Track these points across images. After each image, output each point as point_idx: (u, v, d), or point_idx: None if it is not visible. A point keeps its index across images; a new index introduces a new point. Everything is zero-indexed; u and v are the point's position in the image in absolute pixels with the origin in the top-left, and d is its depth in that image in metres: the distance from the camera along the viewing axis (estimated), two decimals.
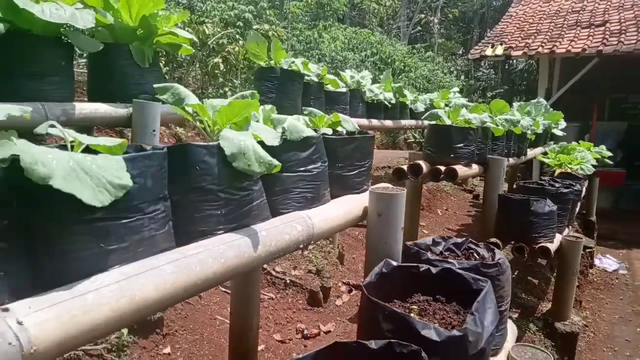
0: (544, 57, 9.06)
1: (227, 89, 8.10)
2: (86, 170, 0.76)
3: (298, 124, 1.35)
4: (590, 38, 8.65)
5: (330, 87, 3.82)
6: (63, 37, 1.95)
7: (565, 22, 9.99)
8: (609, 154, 6.33)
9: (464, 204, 7.23)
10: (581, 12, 10.41)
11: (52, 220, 0.78)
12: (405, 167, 2.71)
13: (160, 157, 0.97)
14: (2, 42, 1.71)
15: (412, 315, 1.11)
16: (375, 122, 4.51)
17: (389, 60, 13.19)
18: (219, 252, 1.03)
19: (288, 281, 3.06)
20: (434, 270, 1.37)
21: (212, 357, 2.31)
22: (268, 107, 1.40)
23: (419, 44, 19.51)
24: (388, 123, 4.77)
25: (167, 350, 2.21)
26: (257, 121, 1.34)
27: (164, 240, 0.98)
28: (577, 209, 4.75)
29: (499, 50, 8.98)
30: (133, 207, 0.88)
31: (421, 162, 2.72)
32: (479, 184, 8.32)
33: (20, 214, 0.75)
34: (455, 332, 1.06)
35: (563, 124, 6.33)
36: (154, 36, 2.26)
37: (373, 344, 1.05)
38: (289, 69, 3.23)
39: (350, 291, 3.34)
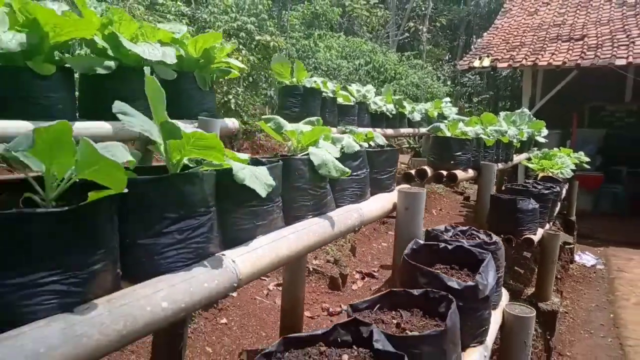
0: (527, 68, 9.72)
1: (230, 97, 8.59)
2: (256, 175, 1.27)
3: (351, 142, 1.87)
4: (570, 52, 9.34)
5: (341, 101, 4.34)
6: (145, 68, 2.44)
7: (547, 36, 10.68)
8: (587, 159, 6.97)
9: (455, 205, 7.81)
10: (562, 25, 11.13)
11: (234, 205, 1.28)
12: (413, 172, 3.24)
13: (280, 166, 1.47)
14: (112, 75, 2.19)
15: (439, 273, 1.63)
16: (378, 130, 5.03)
17: (382, 69, 13.76)
18: (314, 228, 1.54)
19: (311, 269, 3.56)
20: (449, 247, 1.89)
21: (258, 327, 2.80)
22: (328, 127, 1.92)
23: (407, 50, 20.19)
24: (389, 131, 5.30)
25: (224, 320, 2.69)
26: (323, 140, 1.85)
27: (281, 220, 1.49)
28: (558, 209, 5.32)
29: (486, 62, 9.62)
30: (269, 198, 1.39)
31: (426, 168, 3.26)
32: (468, 187, 8.92)
33: (218, 200, 1.25)
34: (470, 283, 1.59)
35: (545, 131, 6.93)
36: (212, 64, 2.76)
37: (415, 292, 1.57)
38: (311, 86, 3.74)
39: (363, 278, 3.85)
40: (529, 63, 9.20)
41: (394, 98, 5.48)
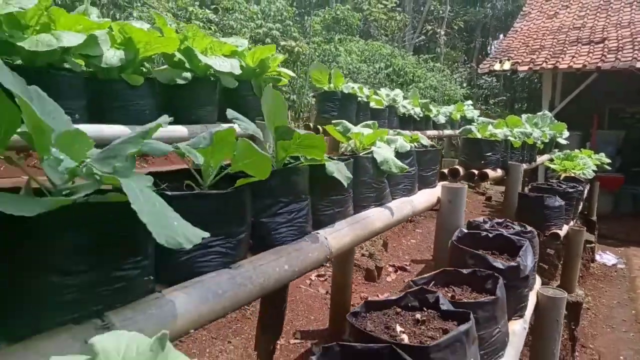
0: (547, 71, 9.86)
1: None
2: (339, 169, 1.54)
3: (404, 143, 2.14)
4: (590, 54, 9.46)
5: (373, 105, 4.61)
6: (212, 77, 2.75)
7: (567, 39, 10.80)
8: (608, 160, 7.11)
9: (478, 205, 8.01)
10: (582, 28, 11.23)
11: (320, 194, 1.56)
12: (445, 171, 3.49)
13: (352, 163, 1.75)
14: (188, 85, 2.50)
15: (486, 255, 1.89)
16: (406, 132, 5.29)
17: (401, 72, 13.98)
18: (379, 216, 1.82)
19: None
20: (490, 235, 2.15)
21: (306, 312, 3.09)
22: (386, 130, 2.19)
23: (423, 52, 20.37)
24: (417, 133, 5.55)
25: None
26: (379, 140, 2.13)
27: (351, 209, 1.77)
28: (580, 208, 5.51)
29: (507, 66, 9.79)
30: (345, 189, 1.67)
31: (458, 167, 3.51)
32: (489, 187, 9.10)
33: (311, 189, 1.53)
34: (512, 263, 1.85)
35: (566, 133, 7.10)
36: (265, 73, 3.06)
37: (464, 271, 1.83)
38: (348, 92, 4.02)
39: (396, 271, 4.11)
40: (550, 66, 9.35)
41: (420, 102, 5.73)
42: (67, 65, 2.04)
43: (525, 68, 9.72)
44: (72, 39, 1.86)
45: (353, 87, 4.07)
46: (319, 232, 1.48)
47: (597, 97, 10.43)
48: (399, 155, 2.10)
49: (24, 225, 0.70)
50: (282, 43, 9.88)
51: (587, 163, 5.91)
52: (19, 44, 1.78)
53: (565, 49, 10.19)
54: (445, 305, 1.45)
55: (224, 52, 2.78)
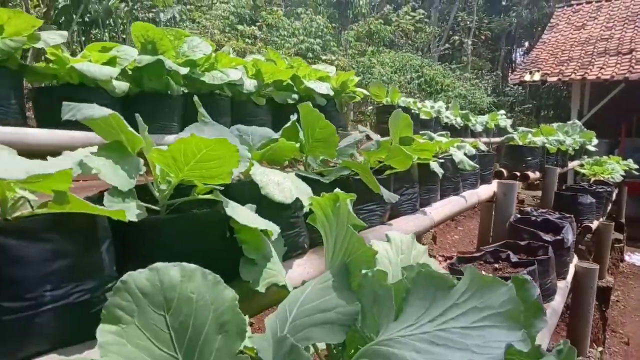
0: (576, 82, 10.34)
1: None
2: (440, 164, 2.22)
3: (470, 148, 2.80)
4: (618, 65, 9.91)
5: (423, 116, 5.26)
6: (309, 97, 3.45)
7: (595, 50, 11.25)
8: (636, 166, 7.57)
9: None
10: (609, 39, 11.65)
11: (423, 184, 2.24)
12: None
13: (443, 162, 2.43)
14: (295, 103, 3.21)
15: (538, 231, 2.54)
16: (469, 140, 5.93)
17: (432, 82, 14.58)
18: (458, 201, 2.49)
19: None
20: (538, 219, 2.79)
21: None
22: (459, 139, 2.86)
23: (448, 60, 20.89)
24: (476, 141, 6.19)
25: None
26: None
27: (439, 196, 2.44)
28: (609, 209, 6.03)
29: (537, 77, 10.32)
30: (436, 181, 2.34)
31: (502, 169, 4.13)
32: (521, 192, 9.60)
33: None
34: (558, 237, 2.49)
35: (595, 141, 7.59)
36: (345, 93, 3.76)
37: (521, 243, 2.48)
38: (404, 105, 4.70)
39: (445, 260, 4.74)
40: (578, 77, 9.84)
41: (460, 112, 6.35)
42: (218, 92, 2.78)
43: (555, 79, 10.22)
44: (234, 74, 2.60)
45: (408, 101, 4.74)
46: (424, 209, 2.16)
47: (625, 106, 10.83)
48: (467, 157, 2.76)
49: None
50: (323, 57, 10.64)
51: (615, 168, 6.43)
52: (201, 78, 2.52)
53: (593, 60, 10.65)
54: (514, 259, 2.11)
55: (317, 77, 3.49)
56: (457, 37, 21.43)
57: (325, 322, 0.84)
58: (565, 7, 14.36)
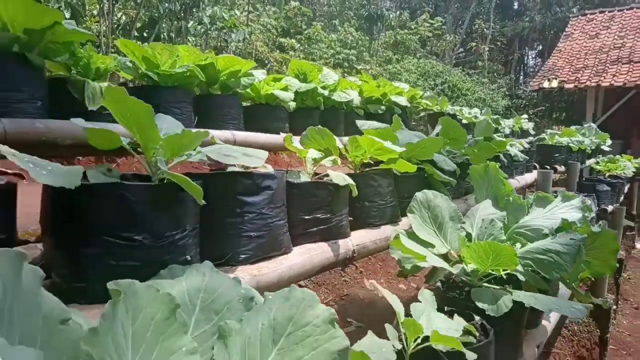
0: (591, 89, 11.31)
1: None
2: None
3: (519, 145, 3.88)
4: (630, 73, 10.87)
5: (464, 121, 6.33)
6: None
7: (609, 58, 12.22)
8: None
9: None
10: (622, 48, 12.60)
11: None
12: None
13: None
14: (382, 113, 4.30)
15: None
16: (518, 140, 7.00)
17: (455, 88, 15.60)
18: (515, 182, 3.56)
19: None
20: None
21: None
22: (510, 139, 3.94)
23: (463, 65, 21.89)
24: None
25: None
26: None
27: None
28: (622, 198, 7.03)
29: (554, 84, 11.32)
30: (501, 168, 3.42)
31: (535, 164, 5.18)
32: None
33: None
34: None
35: (609, 142, 8.59)
36: (413, 104, 4.84)
37: None
38: (452, 113, 5.77)
39: None
40: (593, 84, 10.82)
41: (492, 117, 7.40)
42: (337, 106, 3.87)
43: (571, 86, 11.21)
44: (352, 94, 3.69)
45: (454, 109, 5.81)
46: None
47: (636, 109, 11.77)
48: (519, 152, 3.83)
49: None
50: (359, 67, 11.75)
51: (627, 165, 7.43)
52: (332, 97, 3.61)
53: (607, 68, 11.62)
54: None
55: (396, 92, 4.58)
56: (474, 44, 22.40)
57: (495, 218, 1.93)
58: (579, 17, 15.30)
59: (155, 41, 4.15)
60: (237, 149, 1.14)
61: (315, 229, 1.49)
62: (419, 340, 1.26)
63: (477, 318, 1.59)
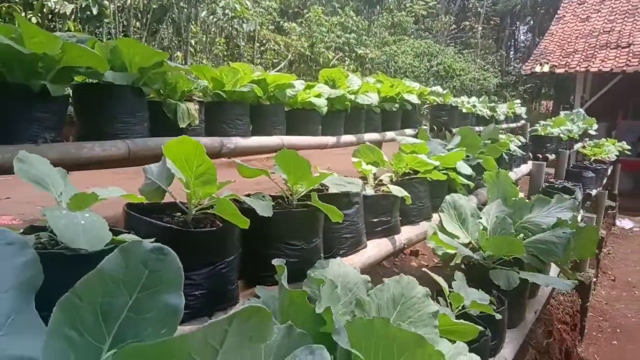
0: (580, 74, 11.85)
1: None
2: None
3: (517, 141, 4.44)
4: (617, 59, 11.41)
5: (463, 110, 6.86)
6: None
7: (598, 43, 12.72)
8: (628, 147, 9.20)
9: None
10: (610, 32, 13.09)
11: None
12: None
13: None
14: (395, 111, 4.81)
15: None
16: (479, 128, 7.54)
17: (450, 69, 16.04)
18: (518, 170, 4.15)
19: None
20: (559, 186, 4.44)
21: None
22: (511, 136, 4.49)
23: (456, 44, 22.24)
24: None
25: None
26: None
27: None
28: (605, 182, 7.68)
29: (546, 68, 11.83)
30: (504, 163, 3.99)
31: (530, 153, 5.76)
32: None
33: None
34: (573, 196, 4.16)
35: (596, 126, 9.20)
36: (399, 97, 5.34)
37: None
38: (454, 105, 6.29)
39: None
40: (582, 69, 11.36)
41: (489, 105, 7.94)
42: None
43: (562, 70, 11.75)
44: (372, 96, 4.19)
45: (456, 101, 6.33)
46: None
47: (622, 93, 12.37)
48: (517, 147, 4.40)
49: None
50: (359, 51, 12.12)
51: (610, 149, 8.07)
52: (356, 100, 4.10)
53: (595, 52, 12.14)
54: None
55: (407, 91, 5.08)
56: (467, 23, 22.69)
57: (505, 216, 2.49)
58: None
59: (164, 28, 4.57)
60: (344, 180, 1.68)
61: (379, 228, 2.04)
62: (459, 307, 1.83)
63: (494, 292, 2.17)
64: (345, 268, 1.45)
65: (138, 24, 8.60)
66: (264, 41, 11.33)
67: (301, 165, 1.44)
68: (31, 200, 3.82)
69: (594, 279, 5.80)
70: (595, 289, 6.15)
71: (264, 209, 1.30)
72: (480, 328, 1.48)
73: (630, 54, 11.47)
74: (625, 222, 9.60)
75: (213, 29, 8.39)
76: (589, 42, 12.96)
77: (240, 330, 0.49)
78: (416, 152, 2.53)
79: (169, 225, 1.14)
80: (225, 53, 9.67)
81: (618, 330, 5.13)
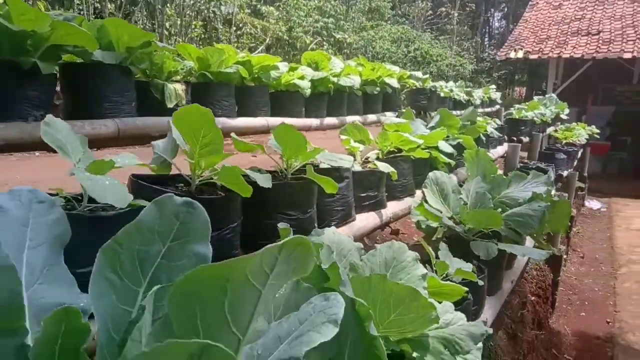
0: (553, 60, 12.17)
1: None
2: None
3: (494, 124, 4.59)
4: (588, 46, 11.75)
5: (441, 94, 7.00)
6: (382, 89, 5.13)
7: (569, 29, 13.05)
8: (597, 131, 9.56)
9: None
10: (582, 20, 13.45)
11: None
12: None
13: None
14: (377, 94, 4.89)
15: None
16: (457, 112, 7.71)
17: (426, 55, 16.19)
18: (495, 152, 4.30)
19: None
20: (533, 167, 4.63)
21: None
22: (488, 119, 4.63)
23: (432, 30, 22.41)
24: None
25: None
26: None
27: None
28: (575, 164, 7.99)
29: (520, 54, 12.10)
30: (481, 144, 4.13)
31: (505, 136, 5.95)
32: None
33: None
34: (545, 175, 4.35)
35: (567, 111, 9.51)
36: (380, 80, 5.44)
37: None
38: (432, 89, 6.41)
39: None
40: (555, 55, 11.67)
41: (465, 90, 8.11)
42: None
43: (535, 56, 12.04)
44: (355, 79, 4.26)
45: (434, 85, 6.46)
46: None
47: (592, 79, 12.78)
48: (494, 130, 4.55)
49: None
50: (337, 36, 12.10)
51: (581, 133, 8.37)
52: (339, 82, 4.16)
53: (567, 39, 12.47)
54: None
55: (388, 74, 5.16)
56: (443, 9, 22.85)
57: (485, 191, 2.62)
58: None
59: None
60: (336, 156, 1.75)
61: (367, 203, 2.13)
62: (444, 274, 1.95)
63: (474, 262, 2.29)
64: (339, 236, 1.54)
65: (112, 5, 8.40)
66: (240, 25, 11.18)
67: (297, 140, 1.51)
68: (35, 180, 3.79)
69: (565, 256, 6.07)
70: (566, 265, 6.44)
71: (265, 181, 1.37)
72: (465, 288, 1.59)
73: (600, 41, 11.83)
74: (593, 203, 10.01)
75: (188, 12, 8.25)
76: (561, 29, 13.28)
77: (287, 259, 0.56)
78: (400, 131, 2.62)
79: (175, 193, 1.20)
80: (202, 37, 9.54)
81: (586, 303, 5.42)
